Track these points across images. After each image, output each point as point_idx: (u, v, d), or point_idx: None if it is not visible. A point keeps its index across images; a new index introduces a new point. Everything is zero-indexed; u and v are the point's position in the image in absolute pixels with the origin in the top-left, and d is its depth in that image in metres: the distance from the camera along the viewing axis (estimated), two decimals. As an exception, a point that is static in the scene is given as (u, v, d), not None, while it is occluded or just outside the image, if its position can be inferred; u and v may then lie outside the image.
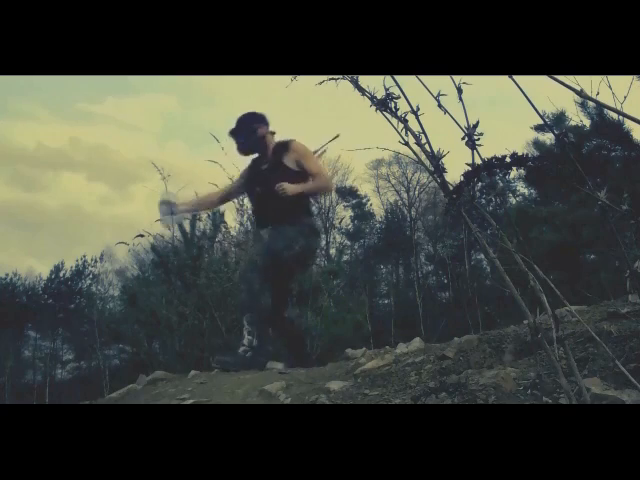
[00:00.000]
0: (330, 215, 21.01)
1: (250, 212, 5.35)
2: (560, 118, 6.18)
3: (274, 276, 2.76)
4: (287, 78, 1.05)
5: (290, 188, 2.70)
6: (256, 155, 3.03)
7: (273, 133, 2.99)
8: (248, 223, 5.70)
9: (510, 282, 0.88)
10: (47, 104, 36.90)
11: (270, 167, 2.90)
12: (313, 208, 3.14)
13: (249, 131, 2.91)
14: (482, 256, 15.90)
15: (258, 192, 2.94)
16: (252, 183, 3.00)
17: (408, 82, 0.96)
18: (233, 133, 2.96)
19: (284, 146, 2.90)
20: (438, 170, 0.93)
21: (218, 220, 6.34)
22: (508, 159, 0.87)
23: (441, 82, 0.94)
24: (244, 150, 3.01)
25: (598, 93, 1.01)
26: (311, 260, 3.27)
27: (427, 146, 0.95)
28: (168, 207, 3.05)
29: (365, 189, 22.68)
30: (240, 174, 3.25)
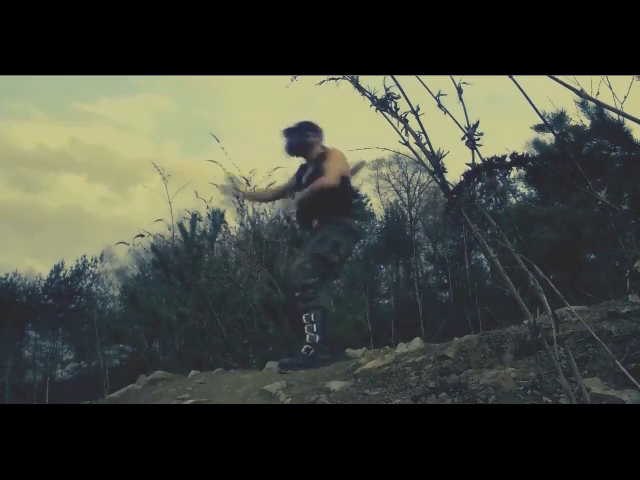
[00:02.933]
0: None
1: (253, 213, 5.40)
2: (560, 118, 6.17)
3: (323, 276, 2.89)
4: (287, 78, 1.05)
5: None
6: (304, 161, 3.23)
7: (323, 147, 3.15)
8: (248, 223, 5.69)
9: (510, 282, 0.88)
10: (42, 104, 36.92)
11: (310, 173, 3.06)
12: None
13: (301, 135, 3.10)
14: (482, 256, 15.90)
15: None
16: (296, 188, 3.16)
17: (408, 82, 0.96)
18: (287, 132, 3.14)
19: (325, 153, 3.06)
20: (438, 170, 0.93)
21: (218, 220, 6.34)
22: (508, 159, 0.87)
23: (441, 82, 0.94)
24: (290, 150, 3.19)
25: (598, 93, 1.01)
26: (347, 259, 3.38)
27: (427, 146, 0.95)
28: (232, 187, 3.14)
29: (365, 189, 22.67)
30: (293, 175, 3.43)
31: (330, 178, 2.87)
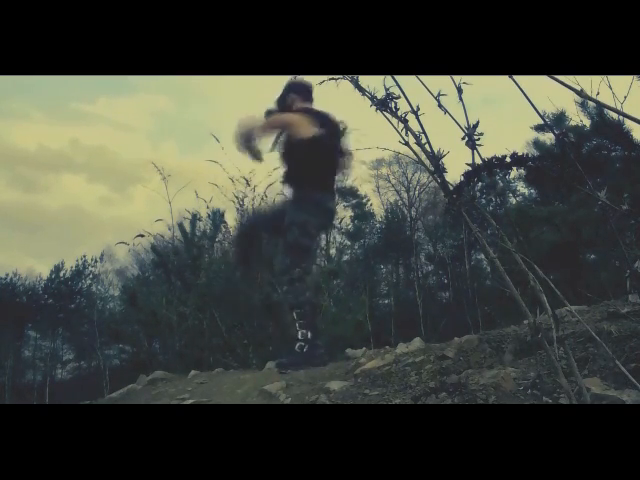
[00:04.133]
0: (330, 215, 20.92)
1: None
2: (560, 118, 6.17)
3: (304, 262, 2.73)
4: (287, 78, 1.05)
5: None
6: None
7: (308, 104, 2.91)
8: (248, 223, 5.69)
9: (510, 282, 0.88)
10: (41, 104, 36.95)
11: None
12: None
13: (282, 100, 2.87)
14: (482, 256, 15.90)
15: None
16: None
17: (408, 82, 0.96)
18: (276, 101, 2.94)
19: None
20: (438, 170, 0.93)
21: (218, 220, 6.34)
22: (508, 159, 0.87)
23: (441, 82, 0.94)
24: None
25: (598, 93, 1.01)
26: (321, 233, 3.13)
27: (427, 146, 0.95)
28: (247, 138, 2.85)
29: (365, 189, 22.70)
30: None
31: (288, 117, 2.62)
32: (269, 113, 2.88)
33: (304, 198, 2.78)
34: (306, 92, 2.91)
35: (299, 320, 2.68)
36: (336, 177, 3.00)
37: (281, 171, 2.95)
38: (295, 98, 2.88)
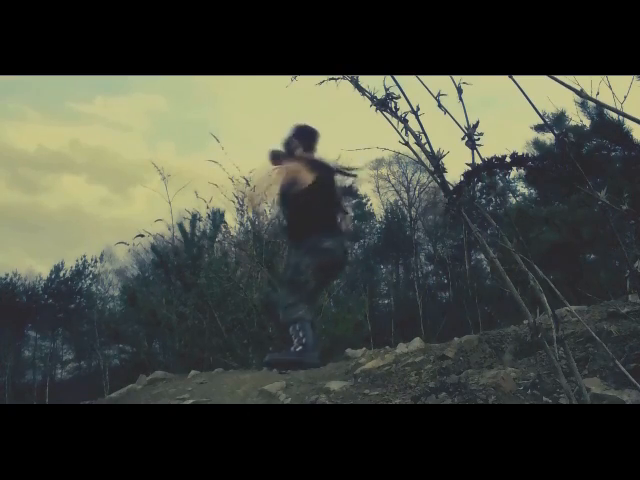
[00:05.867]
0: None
1: (253, 213, 5.43)
2: (560, 118, 6.17)
3: (300, 294, 2.92)
4: (286, 78, 1.05)
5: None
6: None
7: (311, 149, 3.09)
8: (248, 223, 5.70)
9: (510, 282, 0.88)
10: (40, 105, 36.91)
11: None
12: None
13: (288, 146, 3.06)
14: (482, 256, 15.90)
15: None
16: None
17: (408, 82, 0.96)
18: (283, 145, 3.12)
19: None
20: (438, 170, 0.93)
21: (218, 220, 6.35)
22: (508, 159, 0.87)
23: (441, 82, 0.94)
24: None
25: (598, 93, 1.01)
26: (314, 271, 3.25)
27: (427, 146, 0.95)
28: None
29: (365, 189, 22.67)
30: None
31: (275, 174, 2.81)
32: (274, 154, 3.06)
33: (298, 242, 2.99)
34: (310, 139, 3.10)
35: (294, 333, 2.80)
36: (338, 219, 3.14)
37: (283, 224, 3.18)
38: (297, 144, 3.06)
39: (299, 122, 3.14)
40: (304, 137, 3.08)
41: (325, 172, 3.00)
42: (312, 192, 2.86)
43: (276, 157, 3.01)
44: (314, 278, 2.93)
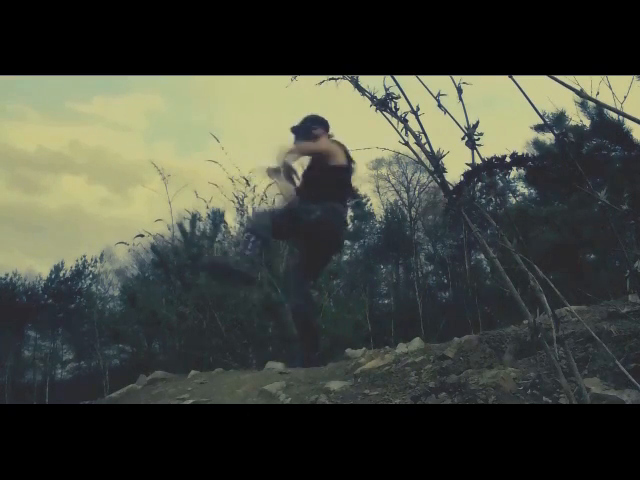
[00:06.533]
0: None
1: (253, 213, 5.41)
2: (560, 118, 6.16)
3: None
4: (286, 78, 1.05)
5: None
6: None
7: (330, 136, 3.18)
8: (248, 223, 5.68)
9: (510, 282, 0.88)
10: (40, 105, 36.93)
11: (310, 164, 3.15)
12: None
13: (307, 131, 3.14)
14: (482, 256, 15.89)
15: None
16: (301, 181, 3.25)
17: (408, 82, 0.96)
18: (293, 130, 3.20)
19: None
20: (438, 170, 0.93)
21: (218, 220, 6.35)
22: (508, 159, 0.87)
23: (441, 82, 0.94)
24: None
25: (598, 93, 1.01)
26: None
27: (427, 146, 0.95)
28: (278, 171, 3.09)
29: (365, 189, 22.67)
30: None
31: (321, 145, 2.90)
32: (296, 130, 3.16)
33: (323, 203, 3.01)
34: (325, 124, 3.21)
35: (245, 241, 2.84)
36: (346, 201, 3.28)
37: (299, 185, 3.14)
38: (321, 131, 3.16)
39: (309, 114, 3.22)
40: (322, 123, 3.19)
41: (350, 160, 3.14)
42: (343, 172, 3.03)
43: (274, 173, 3.09)
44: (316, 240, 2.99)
